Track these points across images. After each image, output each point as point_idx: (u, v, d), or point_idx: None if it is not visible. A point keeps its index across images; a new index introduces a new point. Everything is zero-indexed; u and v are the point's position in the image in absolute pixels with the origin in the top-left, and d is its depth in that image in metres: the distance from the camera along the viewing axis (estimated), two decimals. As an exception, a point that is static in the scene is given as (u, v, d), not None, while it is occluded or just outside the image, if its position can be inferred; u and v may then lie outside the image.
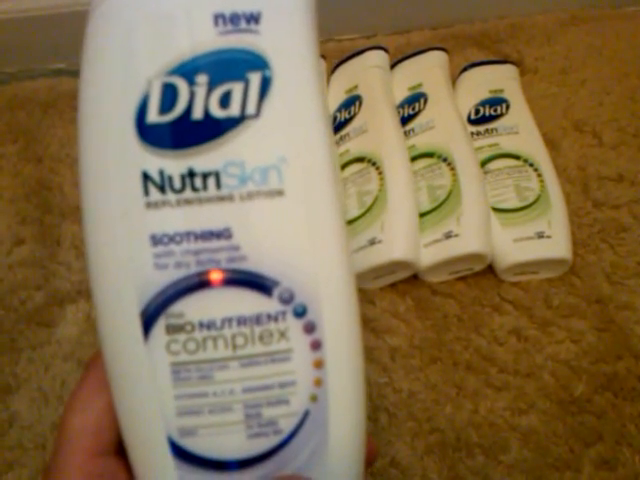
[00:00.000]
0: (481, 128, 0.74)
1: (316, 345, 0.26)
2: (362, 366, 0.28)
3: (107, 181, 0.26)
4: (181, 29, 0.25)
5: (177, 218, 0.25)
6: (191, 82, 0.25)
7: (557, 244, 0.66)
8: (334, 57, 0.82)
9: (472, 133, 0.74)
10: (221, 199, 0.25)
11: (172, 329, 0.26)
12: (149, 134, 0.25)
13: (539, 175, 0.69)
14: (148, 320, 0.26)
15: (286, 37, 0.26)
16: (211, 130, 0.25)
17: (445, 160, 0.69)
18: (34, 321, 0.67)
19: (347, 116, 0.75)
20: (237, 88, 0.25)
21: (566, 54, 0.88)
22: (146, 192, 0.25)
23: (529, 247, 0.65)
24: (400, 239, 0.64)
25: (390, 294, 0.67)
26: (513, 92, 0.78)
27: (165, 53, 0.25)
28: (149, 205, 0.25)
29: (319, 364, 0.26)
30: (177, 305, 0.26)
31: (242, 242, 0.26)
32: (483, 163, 0.71)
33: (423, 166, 0.70)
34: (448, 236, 0.65)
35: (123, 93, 0.25)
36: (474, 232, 0.65)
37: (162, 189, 0.25)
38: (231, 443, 0.26)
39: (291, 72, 0.26)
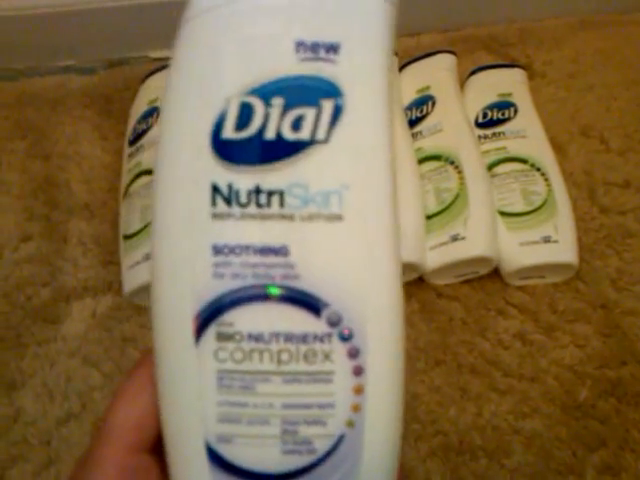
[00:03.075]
0: (488, 132, 0.74)
1: (358, 371, 0.27)
2: (402, 397, 0.28)
3: (179, 188, 0.27)
4: (264, 53, 0.27)
5: (239, 231, 0.26)
6: (267, 103, 0.26)
7: (563, 249, 0.66)
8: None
9: (479, 136, 0.74)
10: (282, 217, 0.26)
11: (222, 337, 0.26)
12: (223, 149, 0.26)
13: (546, 179, 0.69)
14: (200, 325, 0.26)
15: (361, 68, 0.27)
16: (281, 151, 0.26)
17: (452, 163, 0.69)
18: (40, 317, 0.67)
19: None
20: (310, 113, 0.26)
21: (574, 59, 0.88)
22: (213, 203, 0.26)
23: (535, 251, 0.65)
24: (407, 241, 0.64)
25: (395, 296, 0.67)
26: (521, 96, 0.78)
27: (246, 74, 0.26)
28: (215, 216, 0.26)
29: (359, 390, 0.27)
30: (229, 314, 0.26)
31: (298, 261, 0.26)
32: (490, 167, 0.71)
33: (430, 169, 0.70)
34: (454, 239, 0.65)
35: (203, 108, 0.27)
36: (480, 235, 0.65)
37: (229, 202, 0.26)
38: (265, 456, 0.27)
39: (363, 102, 0.27)
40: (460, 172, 0.68)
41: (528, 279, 0.67)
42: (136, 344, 0.65)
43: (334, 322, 0.26)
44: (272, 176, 0.26)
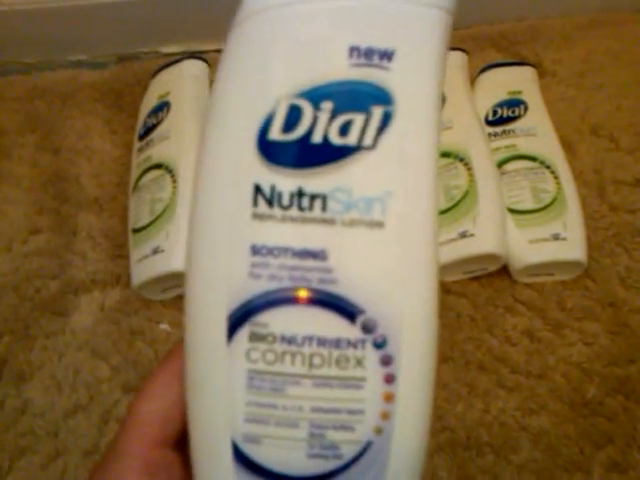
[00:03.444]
0: (498, 129, 0.74)
1: (390, 379, 0.26)
2: (432, 407, 0.27)
3: (221, 186, 0.27)
4: (317, 56, 0.26)
5: (279, 233, 0.26)
6: (316, 107, 0.26)
7: (572, 246, 0.66)
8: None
9: (489, 134, 0.74)
10: (323, 221, 0.26)
11: (255, 337, 0.26)
12: (268, 150, 0.26)
13: (555, 177, 0.69)
14: (234, 324, 0.26)
15: (414, 77, 0.27)
16: (327, 155, 0.26)
17: (462, 160, 0.69)
18: (49, 310, 0.67)
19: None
20: (358, 119, 0.26)
21: (584, 57, 0.88)
22: (255, 203, 0.26)
23: (544, 248, 0.65)
24: None
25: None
26: (531, 94, 0.77)
27: (297, 76, 0.26)
28: (255, 216, 0.26)
29: (389, 398, 0.26)
30: (263, 315, 0.26)
31: (336, 265, 0.26)
32: (500, 164, 0.71)
33: (439, 166, 0.69)
34: (463, 236, 0.65)
35: (252, 107, 0.26)
36: (489, 232, 0.65)
37: (270, 203, 0.26)
38: (291, 458, 0.26)
39: (413, 111, 0.26)
40: (470, 169, 0.68)
41: (537, 276, 0.67)
42: (144, 337, 0.65)
43: (369, 329, 0.26)
44: (316, 180, 0.26)
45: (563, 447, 0.58)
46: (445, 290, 0.67)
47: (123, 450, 0.27)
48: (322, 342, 0.26)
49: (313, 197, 0.26)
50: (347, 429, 0.26)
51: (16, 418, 0.61)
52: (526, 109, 0.75)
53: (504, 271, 0.68)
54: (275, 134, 0.26)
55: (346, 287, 0.26)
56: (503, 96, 0.77)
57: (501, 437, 0.59)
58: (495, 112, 0.76)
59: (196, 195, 0.27)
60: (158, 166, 0.69)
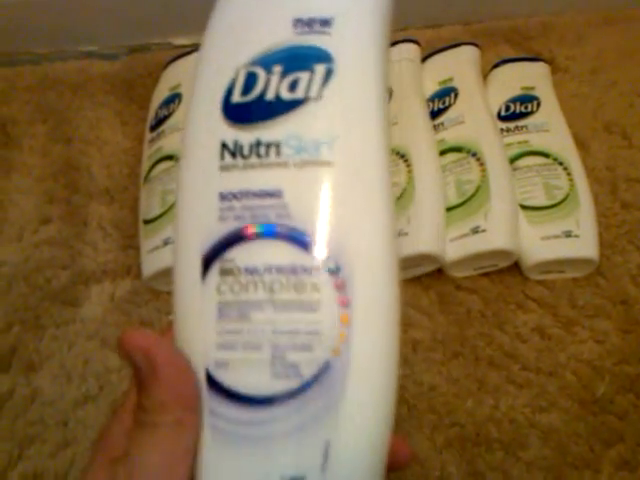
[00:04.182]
0: (511, 125, 0.74)
1: (345, 302, 0.28)
2: (393, 335, 0.29)
3: (196, 145, 0.32)
4: (265, 29, 0.32)
5: (241, 179, 0.30)
6: (268, 71, 0.31)
7: (585, 243, 0.65)
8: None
9: (502, 129, 0.74)
10: (278, 165, 0.30)
11: (224, 272, 0.29)
12: (231, 111, 0.31)
13: (568, 174, 0.69)
14: (206, 263, 0.30)
15: (352, 38, 0.31)
16: (278, 109, 0.30)
17: (474, 155, 0.69)
18: (59, 300, 0.67)
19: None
20: (304, 76, 0.31)
21: (598, 54, 0.88)
22: (222, 157, 0.30)
23: (556, 245, 0.65)
24: (426, 232, 0.64)
25: (414, 287, 0.67)
26: (545, 90, 0.77)
27: (251, 48, 0.32)
28: (222, 168, 0.30)
29: (345, 320, 0.28)
30: (230, 252, 0.29)
31: (290, 202, 0.29)
32: (512, 160, 0.71)
33: (451, 160, 0.70)
34: (475, 231, 0.65)
35: (217, 77, 0.32)
36: (501, 228, 0.65)
37: (234, 155, 0.30)
38: (256, 380, 0.28)
39: (352, 66, 0.31)
40: (482, 164, 0.68)
41: (548, 273, 0.67)
42: (154, 328, 0.65)
43: (322, 256, 0.29)
44: (271, 130, 0.30)
45: (573, 445, 0.58)
46: (456, 286, 0.67)
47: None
48: (280, 270, 0.29)
49: (269, 145, 0.30)
50: (306, 350, 0.28)
51: (25, 407, 0.61)
52: (539, 105, 0.75)
53: (515, 267, 0.67)
54: (236, 97, 0.31)
55: (300, 220, 0.29)
56: (516, 91, 0.77)
57: (511, 434, 0.59)
58: (508, 107, 0.75)
59: (180, 154, 0.32)
60: (169, 157, 0.69)
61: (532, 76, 0.78)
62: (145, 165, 0.71)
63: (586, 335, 0.64)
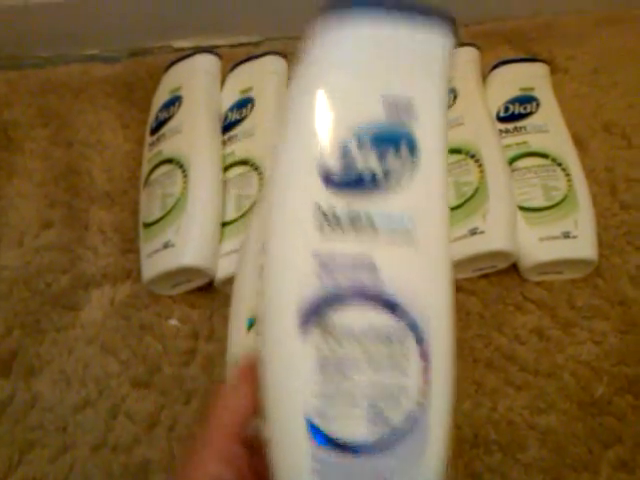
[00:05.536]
0: (510, 126, 0.74)
1: (425, 365, 0.32)
2: (454, 389, 0.33)
3: (290, 206, 0.34)
4: (360, 109, 0.34)
5: (339, 244, 0.32)
6: (362, 146, 0.33)
7: (583, 244, 0.65)
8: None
9: (501, 131, 0.74)
10: (372, 237, 0.32)
11: (322, 331, 0.32)
12: (327, 178, 0.33)
13: (567, 175, 0.69)
14: (305, 320, 0.32)
15: (432, 123, 0.34)
16: (372, 183, 0.33)
17: (473, 157, 0.69)
18: (59, 304, 0.68)
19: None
20: (396, 155, 0.33)
21: (598, 55, 0.88)
22: (318, 220, 0.32)
23: (555, 246, 0.65)
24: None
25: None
26: (544, 91, 0.77)
27: (347, 121, 0.34)
28: (321, 230, 0.32)
29: (426, 381, 0.32)
30: (329, 312, 0.32)
31: (383, 271, 0.32)
32: (511, 161, 0.71)
33: (450, 162, 0.70)
34: (473, 233, 0.65)
35: (314, 146, 0.33)
36: (500, 229, 0.65)
37: (329, 220, 0.32)
38: (353, 429, 0.31)
39: (433, 148, 0.34)
40: (480, 166, 0.68)
41: (546, 274, 0.67)
42: (153, 332, 0.65)
43: (411, 326, 0.32)
44: (363, 201, 0.33)
45: (571, 446, 0.58)
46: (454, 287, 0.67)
47: (206, 441, 0.33)
48: (374, 333, 0.32)
49: (363, 216, 0.33)
50: (396, 403, 0.32)
51: (25, 412, 0.62)
52: (538, 106, 0.75)
53: (514, 269, 0.68)
54: (330, 166, 0.33)
55: (393, 290, 0.32)
56: (515, 92, 0.77)
57: (509, 435, 0.59)
58: (507, 108, 0.76)
59: (268, 214, 0.34)
60: (169, 161, 0.69)
61: (531, 77, 0.78)
62: (145, 168, 0.72)
63: (584, 336, 0.64)
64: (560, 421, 0.59)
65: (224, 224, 0.67)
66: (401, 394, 0.32)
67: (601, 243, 0.68)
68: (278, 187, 0.34)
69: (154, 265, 0.65)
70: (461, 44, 0.79)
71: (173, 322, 0.66)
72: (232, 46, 0.91)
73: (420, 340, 0.32)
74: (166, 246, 0.64)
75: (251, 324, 0.55)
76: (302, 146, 0.34)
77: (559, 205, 0.67)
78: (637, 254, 0.69)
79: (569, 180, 0.68)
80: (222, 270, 0.65)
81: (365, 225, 0.33)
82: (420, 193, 0.33)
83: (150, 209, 0.68)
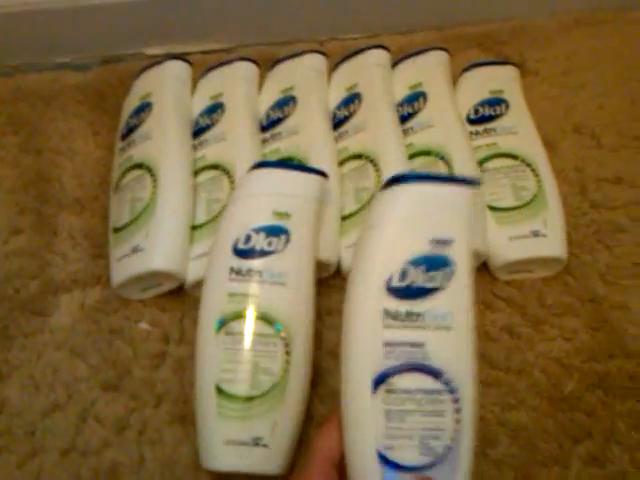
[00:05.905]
0: (480, 128, 0.74)
1: (458, 411, 0.47)
2: (477, 428, 0.49)
3: (365, 310, 0.50)
4: (414, 241, 0.51)
5: (399, 334, 0.48)
6: (415, 268, 0.50)
7: (552, 243, 0.66)
8: (338, 55, 0.82)
9: (471, 133, 0.74)
10: (422, 327, 0.49)
11: (388, 391, 0.47)
12: (392, 290, 0.49)
13: (536, 175, 0.69)
14: (375, 385, 0.47)
15: (464, 251, 0.51)
16: (422, 292, 0.49)
17: (442, 158, 0.69)
18: (28, 309, 0.67)
19: (347, 113, 0.76)
20: (438, 274, 0.50)
21: (568, 57, 0.89)
22: (385, 318, 0.49)
23: (524, 245, 0.65)
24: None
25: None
26: (513, 93, 0.78)
27: (405, 253, 0.50)
28: (386, 326, 0.48)
29: (458, 421, 0.47)
30: (392, 378, 0.47)
31: (430, 350, 0.48)
32: (481, 162, 0.71)
33: (420, 164, 0.70)
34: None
35: (382, 269, 0.50)
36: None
37: (394, 318, 0.49)
38: (410, 457, 0.47)
39: (464, 269, 0.50)
40: (450, 168, 0.69)
41: (517, 273, 0.67)
42: (123, 336, 0.65)
43: (447, 384, 0.48)
44: (417, 305, 0.49)
45: (541, 442, 0.58)
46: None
47: (312, 466, 0.47)
48: (424, 391, 0.47)
49: (416, 314, 0.49)
50: (438, 439, 0.47)
51: (-7, 418, 0.61)
52: (507, 108, 0.75)
53: (483, 268, 0.68)
54: (395, 282, 0.49)
55: (436, 361, 0.48)
56: (485, 95, 0.77)
57: (479, 432, 0.58)
58: (477, 111, 0.76)
59: (346, 318, 0.51)
60: (139, 166, 0.69)
61: (501, 79, 0.79)
62: (115, 174, 0.72)
63: (555, 333, 0.64)
64: (530, 417, 0.59)
65: (194, 227, 0.67)
66: (440, 432, 0.47)
67: (571, 242, 0.68)
68: (351, 302, 0.51)
69: (123, 269, 0.64)
70: (431, 48, 0.80)
71: (143, 326, 0.66)
72: (204, 52, 0.91)
73: (455, 397, 0.47)
74: (135, 250, 0.64)
75: (220, 325, 0.55)
76: (372, 269, 0.51)
77: (528, 205, 0.67)
78: (607, 252, 0.69)
79: (538, 180, 0.69)
80: (192, 273, 0.65)
81: (418, 320, 0.49)
82: (456, 296, 0.50)
83: (120, 214, 0.68)
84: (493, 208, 0.68)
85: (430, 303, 0.49)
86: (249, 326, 0.55)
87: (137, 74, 0.80)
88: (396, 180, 0.53)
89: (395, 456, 0.46)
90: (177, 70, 0.78)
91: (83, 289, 0.68)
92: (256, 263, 0.56)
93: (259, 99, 0.80)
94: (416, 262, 0.49)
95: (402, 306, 0.48)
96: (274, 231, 0.57)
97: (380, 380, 0.47)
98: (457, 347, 0.49)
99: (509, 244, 0.66)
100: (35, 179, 0.77)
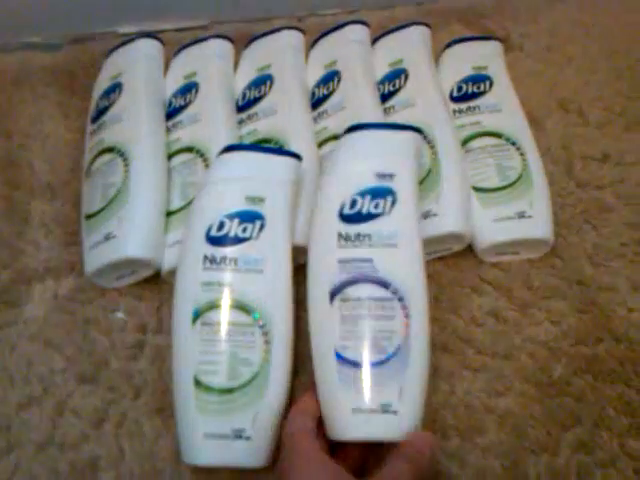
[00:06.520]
0: (463, 106, 0.73)
1: (407, 316, 0.53)
2: (428, 332, 0.54)
3: (321, 233, 0.57)
4: (360, 177, 0.58)
5: (350, 252, 0.55)
6: (363, 197, 0.57)
7: (538, 224, 0.64)
8: (316, 32, 0.80)
9: (454, 110, 0.73)
10: (370, 245, 0.55)
11: (343, 300, 0.54)
12: (344, 217, 0.56)
13: (521, 154, 0.68)
14: (332, 295, 0.54)
15: (406, 182, 0.58)
16: (369, 217, 0.56)
17: (425, 138, 0.67)
18: (0, 300, 0.65)
19: (325, 92, 0.73)
20: (381, 201, 0.56)
21: (552, 31, 0.87)
22: (339, 239, 0.56)
23: (509, 227, 0.64)
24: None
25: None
26: (497, 69, 0.76)
27: (354, 185, 0.57)
28: (340, 246, 0.55)
29: (407, 325, 0.53)
30: (346, 289, 0.54)
31: (377, 264, 0.54)
32: (464, 141, 0.70)
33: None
34: (427, 216, 0.63)
35: (335, 198, 0.57)
36: (453, 212, 0.64)
37: (345, 239, 0.55)
38: (364, 354, 0.52)
39: (406, 198, 0.57)
40: (433, 147, 0.67)
41: (503, 255, 0.66)
42: (99, 326, 0.63)
43: (395, 292, 0.53)
44: (364, 227, 0.55)
45: (530, 428, 0.57)
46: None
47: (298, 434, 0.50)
48: (374, 299, 0.53)
49: (364, 235, 0.55)
50: (388, 339, 0.52)
51: (-34, 413, 0.59)
52: (491, 85, 0.74)
53: (469, 251, 0.66)
54: (346, 210, 0.56)
55: (383, 273, 0.54)
56: (468, 72, 0.75)
57: (466, 419, 0.58)
58: (460, 88, 0.74)
59: (309, 243, 0.58)
60: (110, 149, 0.67)
61: (484, 55, 0.77)
62: (87, 158, 0.69)
63: (542, 317, 0.63)
64: (518, 403, 0.58)
65: (169, 213, 0.65)
66: (391, 333, 0.52)
67: (558, 222, 0.67)
68: (313, 226, 0.58)
69: (96, 257, 0.62)
70: (412, 23, 0.78)
71: (119, 315, 0.64)
72: (178, 30, 0.89)
73: (404, 305, 0.53)
74: (108, 237, 0.62)
75: (196, 316, 0.54)
76: (327, 199, 0.58)
77: (513, 185, 0.66)
78: (594, 232, 0.68)
79: (524, 159, 0.67)
80: (168, 261, 0.63)
81: (366, 240, 0.55)
82: (399, 220, 0.56)
83: (91, 200, 0.65)
84: (477, 189, 0.66)
85: (376, 226, 0.55)
86: (225, 316, 0.54)
87: (107, 53, 0.77)
88: (353, 128, 0.61)
89: (350, 354, 0.52)
90: (149, 49, 0.76)
91: (57, 278, 0.66)
92: (230, 250, 0.56)
93: (235, 78, 0.78)
94: (363, 192, 0.57)
95: (352, 229, 0.55)
96: (248, 217, 0.57)
97: (336, 291, 0.54)
98: (403, 261, 0.55)
99: (494, 226, 0.64)
100: (5, 164, 0.75)
